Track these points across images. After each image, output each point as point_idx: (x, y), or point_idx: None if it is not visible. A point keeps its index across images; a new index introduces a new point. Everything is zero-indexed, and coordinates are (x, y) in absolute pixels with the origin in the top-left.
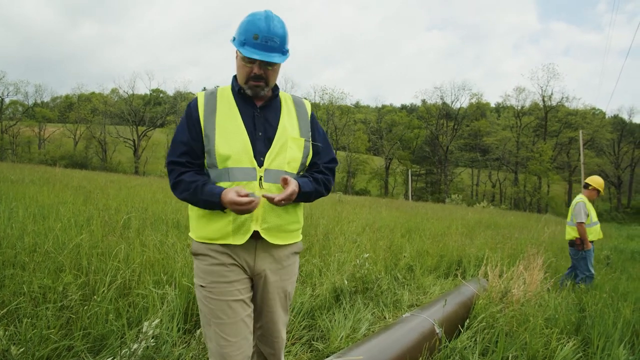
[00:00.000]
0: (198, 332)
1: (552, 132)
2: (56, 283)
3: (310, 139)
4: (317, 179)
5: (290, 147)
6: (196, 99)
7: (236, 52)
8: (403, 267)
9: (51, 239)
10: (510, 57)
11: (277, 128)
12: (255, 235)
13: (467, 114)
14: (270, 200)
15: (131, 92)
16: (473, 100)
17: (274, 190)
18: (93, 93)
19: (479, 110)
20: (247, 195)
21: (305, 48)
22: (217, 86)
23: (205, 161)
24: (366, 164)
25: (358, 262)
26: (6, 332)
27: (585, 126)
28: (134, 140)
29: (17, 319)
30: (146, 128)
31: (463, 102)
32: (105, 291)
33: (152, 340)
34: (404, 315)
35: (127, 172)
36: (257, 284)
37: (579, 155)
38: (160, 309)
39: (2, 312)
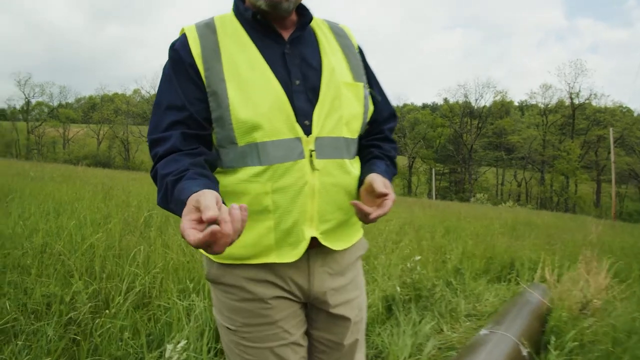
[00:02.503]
0: None
1: (580, 130)
2: (64, 291)
3: (367, 85)
4: (392, 157)
5: (346, 99)
6: (184, 36)
7: None
8: (451, 270)
9: (64, 237)
10: (534, 55)
11: (321, 70)
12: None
13: (491, 112)
14: (364, 217)
15: (153, 92)
16: (497, 98)
17: (333, 171)
18: (116, 94)
19: (503, 108)
20: (199, 223)
21: None
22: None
23: (215, 136)
24: None
25: (408, 265)
26: None
27: (615, 124)
28: None
29: (13, 335)
30: None
31: (487, 100)
32: (121, 301)
33: None
34: (481, 333)
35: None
36: (315, 313)
37: (609, 153)
38: (187, 324)
39: None
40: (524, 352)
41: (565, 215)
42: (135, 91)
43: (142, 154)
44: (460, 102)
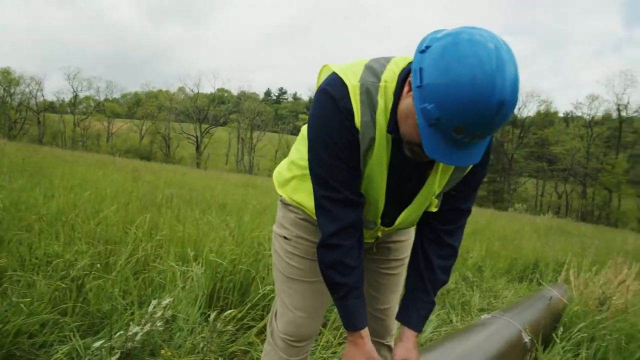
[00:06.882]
0: (212, 316)
1: (627, 144)
2: (66, 250)
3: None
4: (436, 286)
5: (427, 205)
6: (348, 103)
7: (409, 86)
8: (471, 267)
9: (79, 207)
10: (588, 66)
11: (420, 187)
12: None
13: (534, 122)
14: None
15: (197, 91)
16: (542, 108)
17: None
18: (160, 91)
19: (547, 118)
20: None
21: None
22: (376, 82)
23: None
24: None
25: None
26: None
27: None
28: (196, 137)
29: (9, 284)
30: (209, 126)
31: (531, 109)
32: (123, 264)
33: (160, 324)
34: (483, 317)
35: (188, 166)
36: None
37: None
38: (182, 287)
39: None
40: (526, 339)
41: (605, 228)
42: (180, 89)
43: (182, 150)
44: None
